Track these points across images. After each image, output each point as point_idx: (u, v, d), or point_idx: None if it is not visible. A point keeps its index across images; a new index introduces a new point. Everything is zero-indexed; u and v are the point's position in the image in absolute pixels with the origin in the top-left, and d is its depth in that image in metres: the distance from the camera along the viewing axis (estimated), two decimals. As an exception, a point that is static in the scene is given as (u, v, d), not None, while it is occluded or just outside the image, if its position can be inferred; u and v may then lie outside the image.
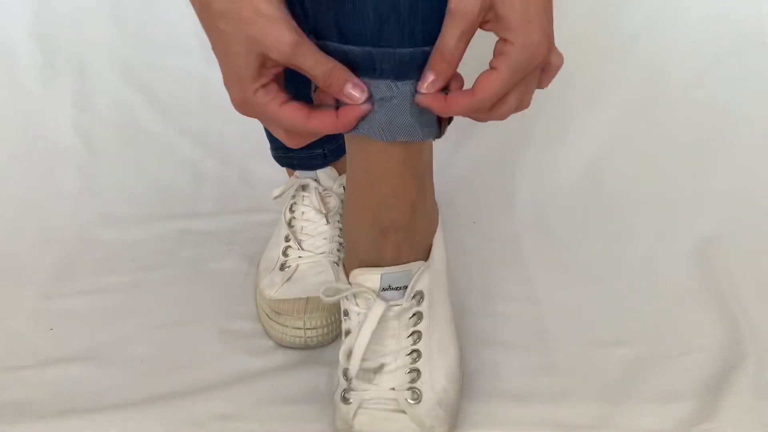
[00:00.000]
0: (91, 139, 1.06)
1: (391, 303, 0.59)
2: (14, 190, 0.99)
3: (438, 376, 0.62)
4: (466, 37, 0.48)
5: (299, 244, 0.79)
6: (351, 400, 0.61)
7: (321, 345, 0.74)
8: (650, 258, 0.87)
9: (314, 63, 0.48)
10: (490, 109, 0.50)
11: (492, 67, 0.48)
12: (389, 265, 0.59)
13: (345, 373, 0.62)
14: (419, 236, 0.61)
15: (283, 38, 0.46)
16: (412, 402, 0.60)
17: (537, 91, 0.52)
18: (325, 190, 0.80)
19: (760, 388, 0.68)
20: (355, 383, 0.60)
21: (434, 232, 0.63)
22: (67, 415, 0.66)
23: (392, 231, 0.59)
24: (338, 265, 0.77)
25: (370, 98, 0.50)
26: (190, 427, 0.65)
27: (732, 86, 1.05)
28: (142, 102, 1.09)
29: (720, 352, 0.73)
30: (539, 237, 0.92)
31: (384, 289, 0.59)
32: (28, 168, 1.02)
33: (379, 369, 0.60)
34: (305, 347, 0.74)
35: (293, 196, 0.81)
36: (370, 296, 0.59)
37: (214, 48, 0.50)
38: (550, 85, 0.52)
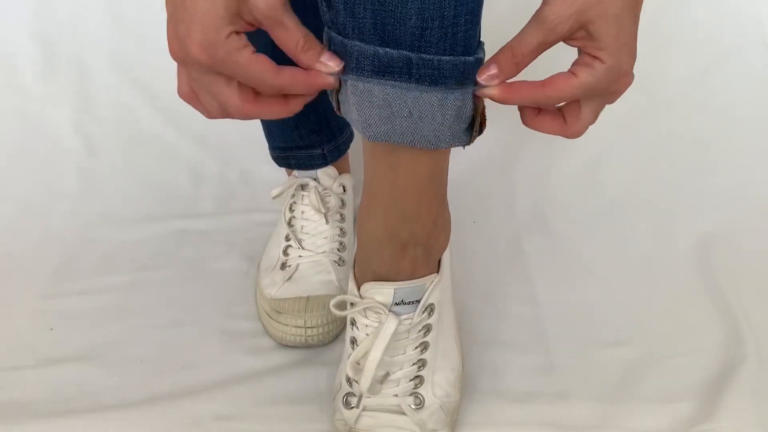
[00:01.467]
0: (91, 139, 1.06)
1: (403, 317, 0.59)
2: (14, 190, 0.99)
3: (441, 381, 0.62)
4: (544, 48, 0.47)
5: (299, 243, 0.79)
6: (354, 405, 0.61)
7: (321, 344, 0.74)
8: (650, 258, 0.87)
9: (295, 25, 0.45)
10: (567, 125, 0.51)
11: (572, 73, 0.48)
12: (404, 280, 0.58)
13: (348, 380, 0.61)
14: (436, 251, 0.60)
15: None
16: (414, 407, 0.60)
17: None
18: (324, 189, 0.80)
19: (760, 388, 0.68)
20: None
21: (448, 244, 0.62)
22: (67, 415, 0.66)
23: (411, 246, 0.58)
24: (339, 265, 0.78)
25: (339, 74, 0.48)
26: (190, 427, 0.65)
27: (732, 86, 1.05)
28: (142, 102, 1.09)
29: (720, 352, 0.73)
30: (539, 237, 0.92)
31: (396, 304, 0.58)
32: (28, 168, 1.02)
33: (384, 378, 0.60)
34: (306, 346, 0.74)
35: (292, 196, 0.81)
36: (382, 311, 0.58)
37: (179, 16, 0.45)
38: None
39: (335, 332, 0.74)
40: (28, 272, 0.86)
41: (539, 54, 0.48)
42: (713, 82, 1.05)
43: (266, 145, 0.84)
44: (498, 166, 1.02)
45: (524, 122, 0.52)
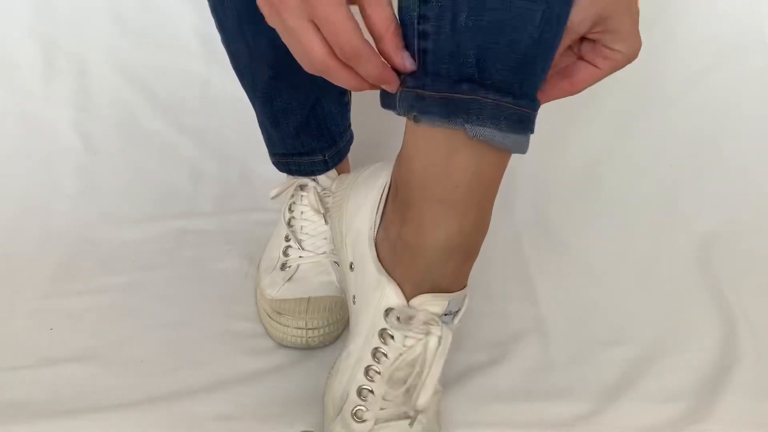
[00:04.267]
0: (91, 139, 1.06)
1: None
2: (14, 189, 0.99)
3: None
4: (565, 49, 0.52)
5: (299, 243, 0.79)
6: (365, 419, 0.58)
7: (322, 345, 0.74)
8: (650, 258, 0.87)
9: (390, 5, 0.47)
10: (573, 84, 0.55)
11: (592, 64, 0.53)
12: (456, 290, 0.56)
13: (360, 393, 0.58)
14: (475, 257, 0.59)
15: None
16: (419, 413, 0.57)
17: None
18: (323, 190, 0.80)
19: (757, 388, 0.68)
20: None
21: None
22: (67, 415, 0.66)
23: (473, 255, 0.57)
24: (339, 266, 0.78)
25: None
26: (190, 427, 0.65)
27: (732, 86, 1.05)
28: (142, 102, 1.09)
29: (718, 352, 0.73)
30: (539, 237, 0.92)
31: (446, 314, 0.56)
32: (28, 168, 1.02)
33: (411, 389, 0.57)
34: (307, 347, 0.74)
35: (291, 196, 0.80)
36: (435, 323, 0.55)
37: None
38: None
39: (336, 333, 0.74)
40: (28, 272, 0.86)
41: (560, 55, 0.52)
42: (713, 82, 1.05)
43: (266, 143, 0.84)
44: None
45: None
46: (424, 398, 0.55)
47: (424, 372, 0.55)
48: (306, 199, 0.79)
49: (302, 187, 0.80)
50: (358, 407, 0.58)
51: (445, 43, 0.47)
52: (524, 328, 0.77)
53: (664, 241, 0.90)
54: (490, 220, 0.57)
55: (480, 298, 0.81)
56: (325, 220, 0.79)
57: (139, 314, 0.79)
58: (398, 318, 0.56)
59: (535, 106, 0.51)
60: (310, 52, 0.47)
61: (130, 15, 1.11)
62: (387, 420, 0.58)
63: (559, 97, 0.55)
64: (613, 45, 0.52)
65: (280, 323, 0.74)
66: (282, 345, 0.74)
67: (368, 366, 0.58)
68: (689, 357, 0.72)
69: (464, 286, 0.58)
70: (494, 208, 0.96)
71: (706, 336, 0.75)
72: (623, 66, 0.53)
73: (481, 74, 0.47)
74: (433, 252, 0.55)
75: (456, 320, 0.58)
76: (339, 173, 0.81)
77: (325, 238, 0.78)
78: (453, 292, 0.56)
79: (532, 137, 0.53)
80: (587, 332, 0.76)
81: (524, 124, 0.50)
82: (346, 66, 0.48)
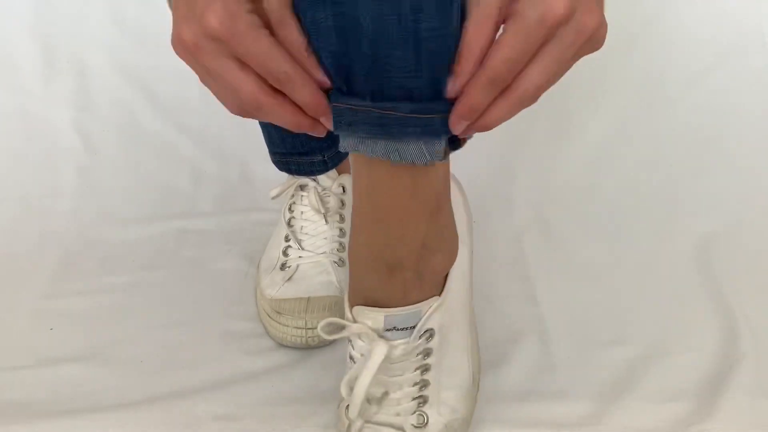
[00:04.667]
0: (91, 139, 1.06)
1: (396, 342, 0.55)
2: (14, 189, 0.99)
3: (447, 398, 0.60)
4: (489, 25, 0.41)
5: (299, 243, 0.79)
6: (351, 416, 0.58)
7: (322, 345, 0.74)
8: (650, 258, 0.87)
9: (299, 27, 0.42)
10: (511, 89, 0.42)
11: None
12: (396, 306, 0.55)
13: (342, 395, 0.59)
14: (430, 274, 0.56)
15: None
16: (417, 426, 0.58)
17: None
18: (323, 190, 0.79)
19: (758, 388, 0.68)
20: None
21: (450, 265, 0.59)
22: (67, 415, 0.66)
23: (399, 270, 0.54)
24: (339, 266, 0.78)
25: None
26: (190, 427, 0.65)
27: (732, 86, 1.05)
28: (142, 102, 1.09)
29: (718, 352, 0.73)
30: (539, 237, 0.92)
31: (388, 330, 0.55)
32: (28, 168, 1.02)
33: (384, 396, 0.58)
34: (306, 347, 0.74)
35: (292, 196, 0.80)
36: (373, 337, 0.55)
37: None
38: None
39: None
40: (28, 272, 0.86)
41: (489, 34, 0.41)
42: (713, 82, 1.05)
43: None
44: (498, 166, 1.02)
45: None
46: (352, 409, 0.56)
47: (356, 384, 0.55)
48: (306, 199, 0.79)
49: (302, 187, 0.80)
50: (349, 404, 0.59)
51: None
52: (524, 328, 0.77)
53: (664, 241, 0.90)
54: (429, 235, 0.54)
55: (480, 298, 0.81)
56: (326, 220, 0.79)
57: (139, 314, 0.79)
58: (337, 329, 0.56)
59: (403, 108, 0.43)
60: (238, 92, 0.44)
61: (130, 15, 1.11)
62: (379, 423, 0.58)
63: (486, 92, 0.43)
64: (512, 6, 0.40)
65: (279, 323, 0.74)
66: (282, 345, 0.74)
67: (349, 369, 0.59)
68: (689, 357, 0.72)
69: (412, 302, 0.55)
70: (494, 208, 0.97)
71: (706, 336, 0.75)
72: (538, 25, 0.39)
73: (347, 84, 0.44)
74: (355, 264, 0.56)
75: (421, 337, 0.56)
76: (339, 172, 0.81)
77: (325, 238, 0.78)
78: (392, 306, 0.55)
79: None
80: (587, 332, 0.76)
81: (386, 128, 0.44)
82: (278, 99, 0.44)
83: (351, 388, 0.56)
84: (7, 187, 0.99)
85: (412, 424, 0.58)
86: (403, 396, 0.58)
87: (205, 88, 0.50)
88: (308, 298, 0.75)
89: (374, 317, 0.55)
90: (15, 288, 0.83)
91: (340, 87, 0.44)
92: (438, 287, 0.58)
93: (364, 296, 0.56)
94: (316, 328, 0.71)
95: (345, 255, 0.80)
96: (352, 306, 0.56)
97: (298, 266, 0.78)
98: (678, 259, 0.87)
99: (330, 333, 0.56)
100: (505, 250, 0.90)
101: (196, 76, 0.50)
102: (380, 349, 0.54)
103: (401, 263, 0.54)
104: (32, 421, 0.65)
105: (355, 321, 0.56)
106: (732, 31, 1.06)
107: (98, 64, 1.11)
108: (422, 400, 0.59)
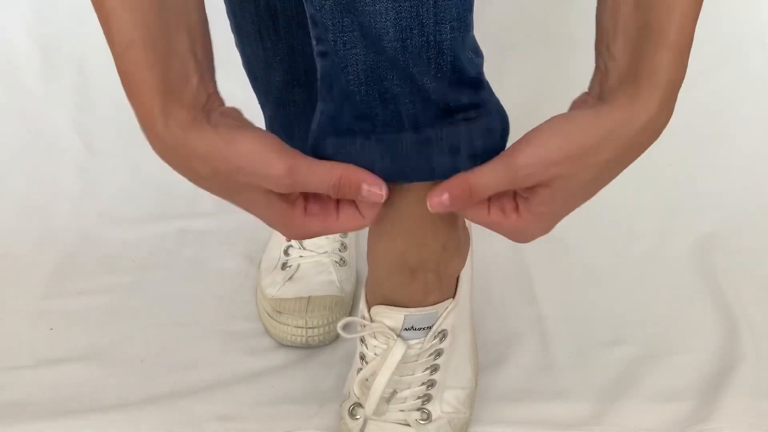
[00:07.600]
0: (91, 139, 1.06)
1: (412, 342, 0.57)
2: (14, 190, 0.99)
3: (450, 398, 0.61)
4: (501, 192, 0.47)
5: (300, 243, 0.79)
6: (359, 416, 0.60)
7: (322, 344, 0.74)
8: (650, 258, 0.87)
9: (319, 180, 0.45)
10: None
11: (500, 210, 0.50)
12: (415, 306, 0.56)
13: (355, 393, 0.61)
14: (448, 275, 0.58)
15: (273, 170, 0.45)
16: (421, 422, 0.60)
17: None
18: (325, 190, 0.79)
19: (758, 388, 0.68)
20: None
21: (463, 266, 0.60)
22: (67, 415, 0.66)
23: (422, 271, 0.56)
24: (340, 265, 0.78)
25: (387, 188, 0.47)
26: (190, 427, 0.65)
27: (732, 86, 1.05)
28: (142, 102, 1.09)
29: (718, 352, 0.73)
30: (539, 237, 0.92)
31: (406, 329, 0.57)
32: (28, 168, 1.02)
33: (391, 396, 0.60)
34: (306, 346, 0.74)
35: (293, 196, 0.80)
36: (391, 336, 0.57)
37: (248, 210, 0.54)
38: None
39: (336, 333, 0.74)
40: (28, 272, 0.86)
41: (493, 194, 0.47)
42: (713, 82, 1.05)
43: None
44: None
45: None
46: (369, 407, 0.58)
47: (374, 380, 0.57)
48: (307, 199, 0.79)
49: (303, 187, 0.80)
50: (355, 404, 0.61)
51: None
52: (524, 328, 0.77)
53: (664, 241, 0.90)
54: (449, 238, 0.56)
55: (480, 298, 0.81)
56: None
57: (139, 314, 0.79)
58: (361, 326, 0.58)
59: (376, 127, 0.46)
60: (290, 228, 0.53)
61: (130, 15, 1.11)
62: (382, 420, 0.60)
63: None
64: (521, 203, 0.49)
65: (279, 322, 0.74)
66: (282, 344, 0.74)
67: (359, 368, 0.60)
68: (689, 357, 0.72)
69: (431, 303, 0.57)
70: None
71: (706, 336, 0.75)
72: (509, 232, 0.51)
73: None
74: (377, 265, 0.57)
75: (435, 338, 0.58)
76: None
77: (327, 238, 0.79)
78: (411, 307, 0.56)
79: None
80: (587, 332, 0.76)
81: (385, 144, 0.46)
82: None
83: (366, 382, 0.58)
84: (7, 187, 0.99)
85: (416, 419, 0.60)
86: (410, 395, 0.60)
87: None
88: (309, 298, 0.75)
89: (394, 317, 0.56)
90: (15, 288, 0.83)
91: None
92: (452, 289, 0.59)
93: (384, 296, 0.57)
94: (316, 327, 0.72)
95: (346, 255, 0.80)
96: (370, 306, 0.58)
97: (299, 266, 0.78)
98: (678, 259, 0.87)
99: (350, 331, 0.59)
100: (505, 250, 0.90)
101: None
102: (399, 348, 0.56)
103: (424, 265, 0.56)
104: (32, 421, 0.65)
105: (372, 320, 0.57)
106: (732, 32, 1.06)
107: (98, 64, 1.10)
108: (426, 398, 0.60)
